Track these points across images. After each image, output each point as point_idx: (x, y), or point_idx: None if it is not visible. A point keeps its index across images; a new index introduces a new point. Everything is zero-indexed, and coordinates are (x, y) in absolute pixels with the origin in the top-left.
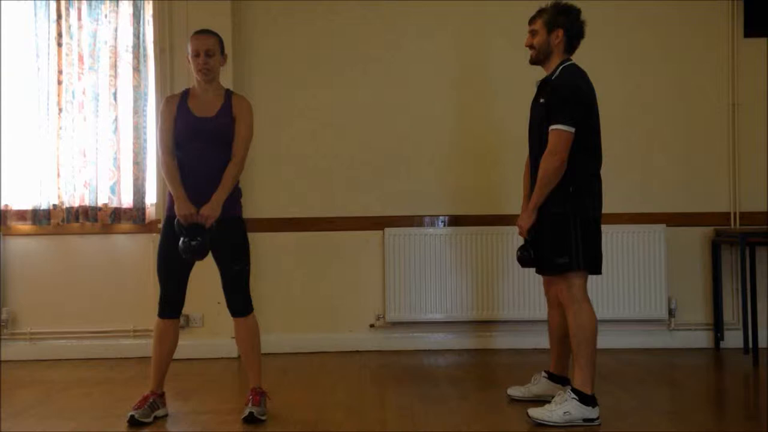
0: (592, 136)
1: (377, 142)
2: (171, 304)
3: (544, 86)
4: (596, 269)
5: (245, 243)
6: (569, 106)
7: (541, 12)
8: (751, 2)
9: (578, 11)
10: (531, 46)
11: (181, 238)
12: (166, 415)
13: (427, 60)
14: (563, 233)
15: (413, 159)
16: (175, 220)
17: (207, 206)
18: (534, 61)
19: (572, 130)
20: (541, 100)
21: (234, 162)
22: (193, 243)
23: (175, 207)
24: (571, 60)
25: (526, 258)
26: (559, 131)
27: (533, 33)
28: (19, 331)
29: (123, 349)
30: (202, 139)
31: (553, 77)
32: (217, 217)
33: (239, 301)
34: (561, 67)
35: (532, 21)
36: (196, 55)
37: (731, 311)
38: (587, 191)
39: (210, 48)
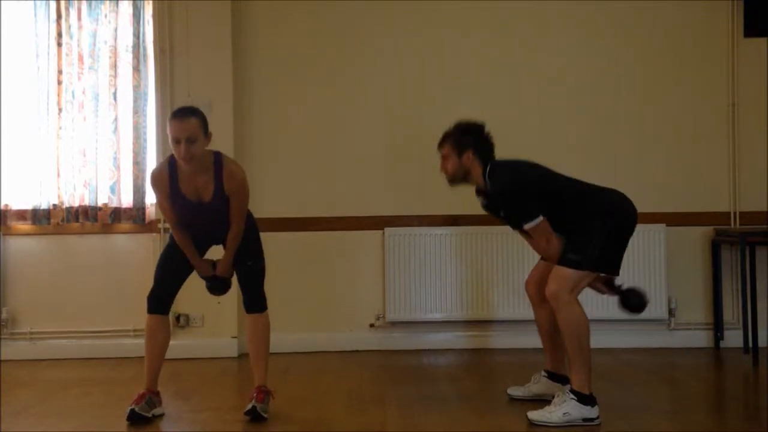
0: (563, 191)
1: (377, 142)
2: (162, 300)
3: (490, 199)
4: (613, 269)
5: (257, 241)
6: (524, 203)
7: (445, 137)
8: (751, 2)
9: (481, 126)
10: (446, 171)
11: (206, 283)
12: (162, 414)
13: (427, 59)
14: (586, 233)
15: (413, 158)
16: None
17: (220, 268)
18: (454, 184)
19: (541, 218)
20: (502, 214)
21: (233, 233)
22: (216, 289)
23: (195, 269)
24: (488, 162)
25: None
26: (533, 227)
27: (445, 158)
28: (18, 330)
29: (123, 349)
30: (201, 217)
31: (489, 188)
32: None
33: (254, 298)
34: (486, 176)
35: (440, 147)
36: (177, 142)
37: (731, 311)
38: (603, 211)
39: (191, 134)
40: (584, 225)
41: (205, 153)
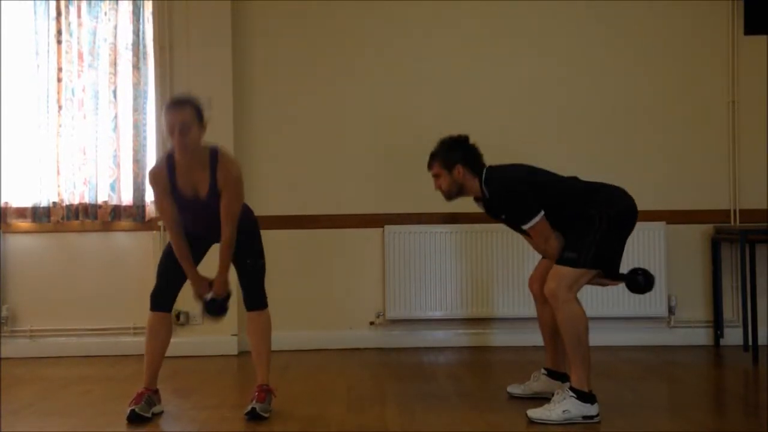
0: (563, 192)
1: (377, 140)
2: (165, 297)
3: (489, 206)
4: (611, 266)
5: (257, 239)
6: (521, 204)
7: (433, 157)
8: (751, 1)
9: (465, 138)
10: (440, 189)
11: (201, 305)
12: (161, 412)
13: (427, 59)
14: (584, 229)
15: (413, 156)
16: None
17: (216, 287)
18: (451, 199)
19: (539, 218)
20: (503, 217)
21: (225, 240)
22: (212, 311)
23: (191, 285)
24: (483, 170)
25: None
26: (532, 228)
27: (436, 177)
28: (19, 328)
29: (123, 347)
30: (197, 214)
31: (488, 196)
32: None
33: (255, 296)
34: (483, 184)
35: (429, 167)
36: (171, 131)
37: (731, 308)
38: (600, 198)
39: (185, 122)
40: (583, 219)
41: (201, 148)
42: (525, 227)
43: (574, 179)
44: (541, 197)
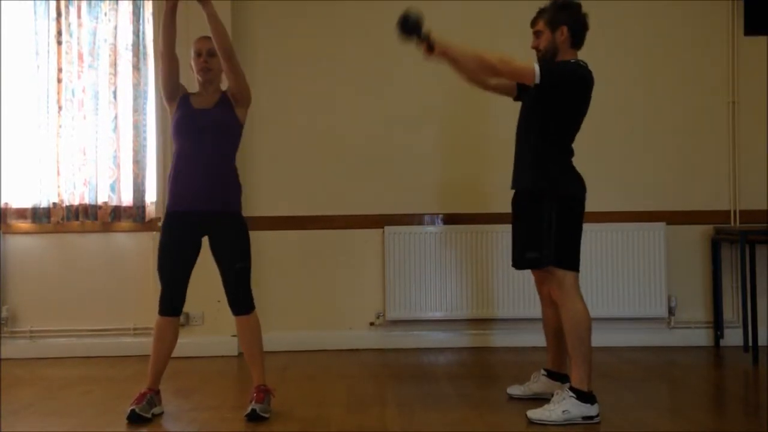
0: (570, 123)
1: (377, 140)
2: (171, 302)
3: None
4: (572, 265)
5: (246, 240)
6: (555, 69)
7: (541, 12)
8: (751, 0)
9: (578, 5)
10: (537, 48)
11: None
12: (162, 413)
13: (426, 60)
14: (537, 221)
15: (414, 157)
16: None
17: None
18: (544, 59)
19: (537, 78)
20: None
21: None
22: None
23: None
24: (579, 59)
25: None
26: (532, 68)
27: (537, 34)
28: (19, 329)
29: (123, 347)
30: (199, 130)
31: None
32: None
33: (241, 300)
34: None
35: (534, 23)
36: (198, 54)
37: (731, 309)
38: (565, 170)
39: (212, 48)
40: (534, 213)
41: (218, 84)
42: (536, 64)
43: (569, 151)
44: (566, 100)
